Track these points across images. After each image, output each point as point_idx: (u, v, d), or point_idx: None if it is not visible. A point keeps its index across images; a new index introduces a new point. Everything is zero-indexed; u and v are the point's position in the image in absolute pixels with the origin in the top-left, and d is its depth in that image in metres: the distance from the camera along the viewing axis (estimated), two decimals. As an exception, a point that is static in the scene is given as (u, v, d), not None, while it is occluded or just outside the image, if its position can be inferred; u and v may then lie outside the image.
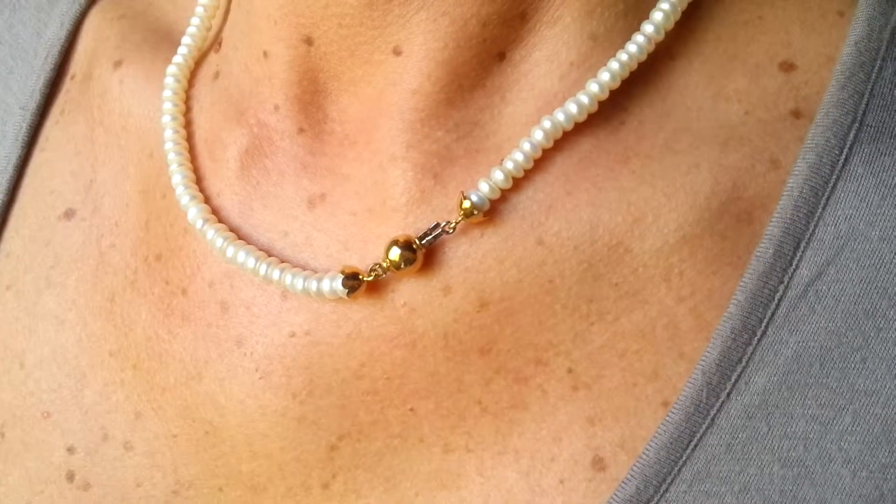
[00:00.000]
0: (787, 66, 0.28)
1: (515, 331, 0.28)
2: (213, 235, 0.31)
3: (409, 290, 0.28)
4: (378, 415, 0.29)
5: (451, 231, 0.27)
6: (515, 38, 0.28)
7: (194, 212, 0.31)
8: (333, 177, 0.30)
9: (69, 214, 0.36)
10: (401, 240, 0.28)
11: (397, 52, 0.28)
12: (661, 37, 0.27)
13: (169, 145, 0.32)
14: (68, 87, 0.38)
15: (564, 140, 0.27)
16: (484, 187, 0.27)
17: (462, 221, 0.27)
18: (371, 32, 0.28)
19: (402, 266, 0.27)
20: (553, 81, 0.28)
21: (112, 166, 0.35)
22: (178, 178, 0.32)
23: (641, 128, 0.28)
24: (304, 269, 0.30)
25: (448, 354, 0.28)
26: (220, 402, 0.31)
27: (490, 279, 0.28)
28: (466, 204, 0.27)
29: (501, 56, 0.28)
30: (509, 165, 0.27)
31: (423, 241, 0.27)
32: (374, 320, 0.29)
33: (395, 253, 0.27)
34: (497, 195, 0.27)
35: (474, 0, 0.27)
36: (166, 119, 0.33)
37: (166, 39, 0.37)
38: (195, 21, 0.35)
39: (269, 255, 0.30)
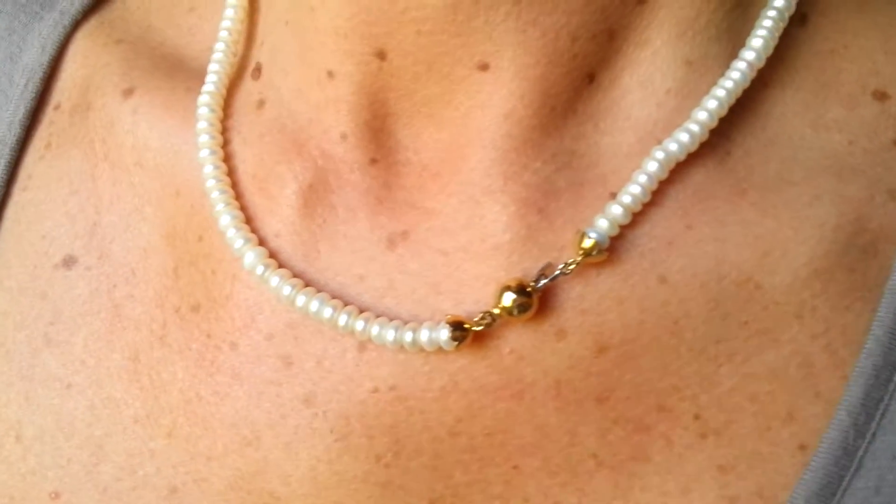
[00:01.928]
0: (881, 95, 0.28)
1: (636, 376, 0.26)
2: (279, 283, 0.27)
3: (517, 337, 0.26)
4: (476, 475, 0.27)
5: (569, 272, 0.25)
6: (604, 57, 0.26)
7: (252, 256, 0.28)
8: (416, 212, 0.27)
9: (69, 262, 0.31)
10: (513, 284, 0.25)
11: (483, 66, 0.26)
12: (762, 64, 0.27)
13: (211, 182, 0.29)
14: (53, 119, 0.34)
15: (676, 171, 0.26)
16: (602, 224, 0.25)
17: (581, 261, 0.25)
18: (453, 41, 0.26)
19: (516, 313, 0.25)
20: (650, 109, 0.27)
21: (122, 207, 0.31)
22: (228, 218, 0.28)
23: (748, 158, 0.27)
24: (386, 317, 0.27)
25: (560, 405, 0.26)
26: (284, 470, 0.27)
27: (609, 321, 0.26)
28: (587, 242, 0.25)
29: (591, 77, 0.26)
30: (627, 200, 0.25)
31: (539, 285, 0.25)
32: (474, 371, 0.26)
33: (510, 298, 0.25)
34: (616, 232, 0.25)
35: (563, 9, 0.25)
36: (205, 153, 0.29)
37: (178, 66, 0.33)
38: (220, 46, 0.31)
39: (346, 304, 0.27)
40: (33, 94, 0.33)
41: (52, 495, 0.29)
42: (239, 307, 0.28)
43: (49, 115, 0.34)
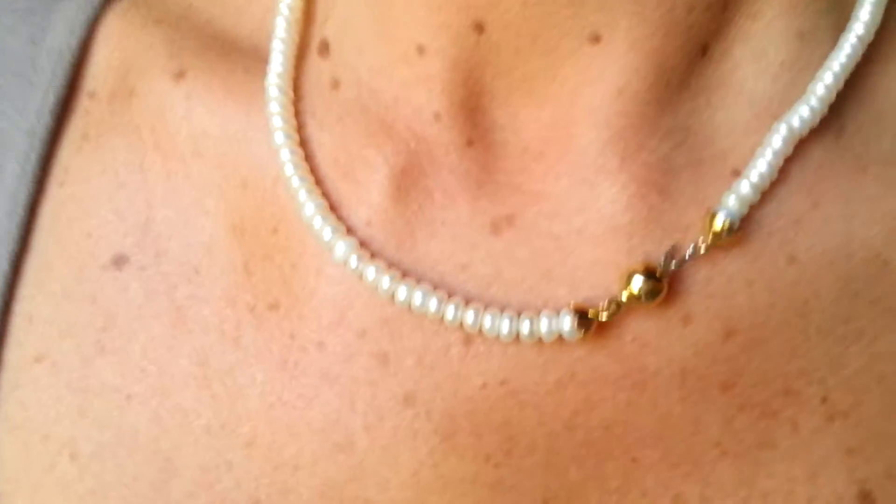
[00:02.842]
0: None
1: (764, 361, 0.25)
2: (376, 275, 0.25)
3: (641, 324, 0.25)
4: (592, 470, 0.25)
5: (700, 254, 0.24)
6: (717, 29, 0.25)
7: (343, 247, 0.25)
8: (521, 196, 0.26)
9: (119, 262, 0.29)
10: (641, 268, 0.24)
11: (595, 38, 0.24)
12: (871, 37, 0.26)
13: (290, 169, 0.27)
14: (88, 108, 0.31)
15: (798, 148, 0.25)
16: (732, 202, 0.24)
17: (711, 242, 0.24)
18: (563, 12, 0.24)
19: (644, 299, 0.24)
20: (765, 83, 0.26)
21: (178, 200, 0.28)
22: (313, 207, 0.26)
23: (862, 133, 0.26)
24: (492, 306, 0.25)
25: (684, 393, 0.25)
26: (382, 476, 0.25)
27: (737, 305, 0.24)
28: (719, 222, 0.24)
29: (704, 50, 0.25)
30: (755, 177, 0.24)
31: (669, 268, 0.24)
32: (593, 361, 0.25)
33: (638, 284, 0.24)
34: (745, 211, 0.24)
35: None
36: (280, 138, 0.27)
37: (230, 47, 0.30)
38: (282, 23, 0.29)
39: (450, 294, 0.25)
40: (63, 81, 0.31)
41: None
42: (326, 303, 0.26)
43: (83, 103, 0.31)
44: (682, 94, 0.25)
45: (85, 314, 0.28)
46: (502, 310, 0.25)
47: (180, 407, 0.27)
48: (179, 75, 0.29)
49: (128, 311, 0.28)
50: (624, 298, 0.24)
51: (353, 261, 0.25)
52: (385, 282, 0.25)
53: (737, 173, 0.25)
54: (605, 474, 0.25)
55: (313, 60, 0.29)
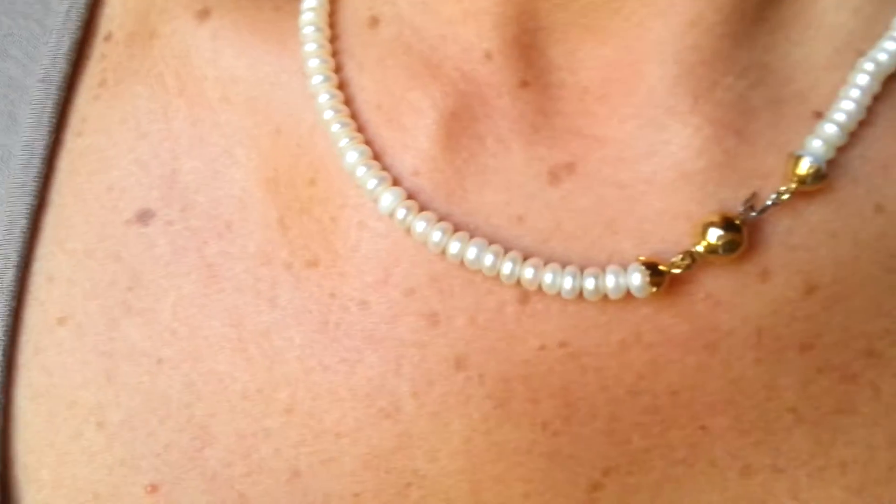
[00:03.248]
0: None
1: (845, 318, 0.23)
2: (425, 228, 0.23)
3: (714, 279, 0.23)
4: (657, 439, 0.23)
5: (781, 202, 0.22)
6: None
7: (390, 198, 0.23)
8: (582, 141, 0.24)
9: (144, 217, 0.27)
10: (718, 218, 0.22)
11: None
12: None
13: (330, 114, 0.24)
14: (105, 52, 0.29)
15: (885, 85, 0.23)
16: (818, 145, 0.22)
17: (795, 189, 0.22)
18: None
19: (722, 251, 0.22)
20: (845, 17, 0.23)
21: (206, 150, 0.26)
22: (355, 155, 0.24)
23: None
24: (553, 261, 0.23)
25: (760, 355, 0.23)
26: (431, 444, 0.24)
27: (820, 258, 0.23)
28: (804, 167, 0.22)
29: None
30: (841, 118, 0.22)
31: (749, 218, 0.22)
32: (661, 320, 0.23)
33: (715, 235, 0.22)
34: (832, 155, 0.22)
35: None
36: (318, 80, 0.25)
37: None
38: (313, -44, 0.27)
39: (506, 249, 0.23)
40: (78, 24, 0.28)
41: (149, 488, 0.25)
42: (369, 259, 0.24)
43: (99, 47, 0.29)
44: (758, 28, 0.23)
45: (109, 273, 0.27)
46: (563, 265, 0.23)
47: (214, 371, 0.25)
48: (204, 14, 0.27)
49: (155, 270, 0.26)
50: (700, 250, 0.22)
51: (401, 213, 0.23)
52: (436, 236, 0.23)
53: (819, 115, 0.23)
54: (671, 443, 0.23)
55: None
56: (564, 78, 0.24)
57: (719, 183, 0.23)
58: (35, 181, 0.27)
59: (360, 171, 0.24)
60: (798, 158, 0.22)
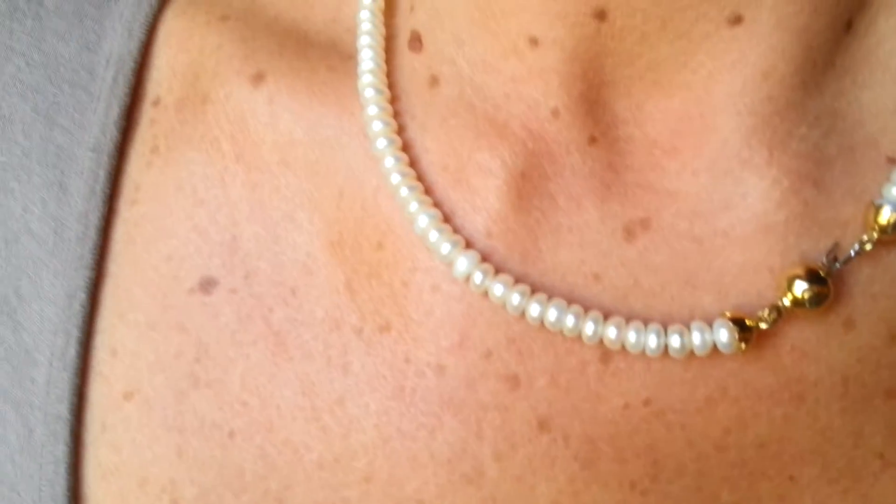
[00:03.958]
0: None
1: None
2: (504, 291, 0.23)
3: (800, 331, 0.23)
4: (745, 492, 0.23)
5: (866, 251, 0.22)
6: (861, 1, 0.23)
7: (465, 262, 0.23)
8: (655, 196, 0.23)
9: (207, 286, 0.26)
10: (803, 271, 0.22)
11: (735, 19, 0.22)
12: None
13: (398, 178, 0.24)
14: (154, 117, 0.28)
15: None
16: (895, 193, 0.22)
17: (878, 238, 0.22)
18: None
19: (809, 305, 0.22)
20: None
21: (267, 215, 0.26)
22: (426, 219, 0.24)
23: None
24: (634, 319, 0.23)
25: (846, 404, 0.23)
26: None
27: None
28: (884, 216, 0.22)
29: (848, 25, 0.23)
30: (919, 164, 0.22)
31: (833, 269, 0.22)
32: (747, 374, 0.23)
33: (801, 288, 0.22)
34: (911, 201, 0.22)
35: None
36: (383, 144, 0.25)
37: (306, 42, 0.28)
38: (367, 16, 0.27)
39: (586, 308, 0.23)
40: (126, 90, 0.28)
41: None
42: (444, 323, 0.24)
43: (148, 112, 0.28)
44: (827, 75, 0.23)
45: (174, 344, 0.26)
46: (645, 323, 0.23)
47: (288, 441, 0.25)
48: (258, 78, 0.27)
49: (221, 339, 0.26)
50: (787, 304, 0.22)
51: (478, 277, 0.23)
52: (514, 298, 0.23)
53: (892, 161, 0.23)
54: (760, 495, 0.23)
55: (405, 55, 0.26)
56: (632, 132, 0.24)
57: (800, 234, 0.23)
58: (92, 253, 0.27)
59: (433, 235, 0.23)
60: (878, 208, 0.22)
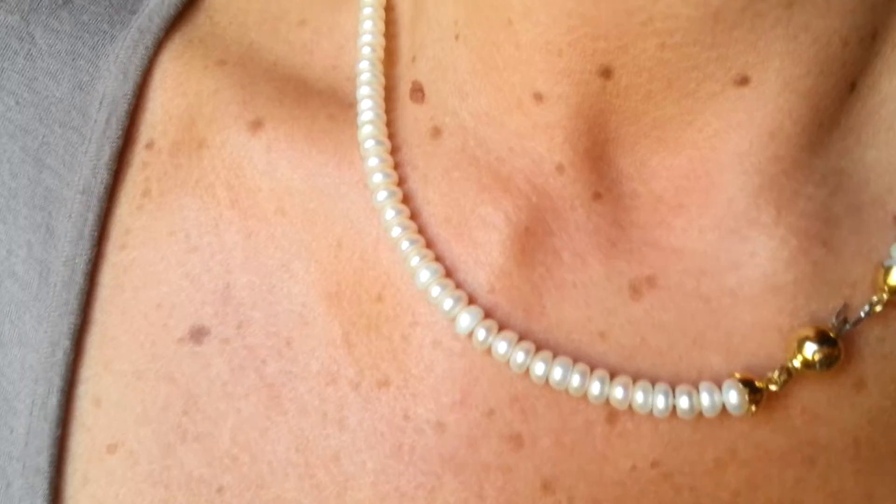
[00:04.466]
0: None
1: None
2: (507, 348, 0.22)
3: (810, 393, 0.22)
4: None
5: (875, 312, 0.22)
6: (864, 62, 0.23)
7: (468, 318, 0.23)
8: (661, 253, 0.23)
9: (198, 335, 0.26)
10: (812, 332, 0.21)
11: (742, 80, 0.22)
12: None
13: (398, 231, 0.24)
14: (147, 160, 0.28)
15: None
16: (905, 253, 0.22)
17: (887, 299, 0.22)
18: (706, 54, 0.22)
19: (819, 366, 0.21)
20: None
21: (262, 264, 0.26)
22: (427, 273, 0.23)
23: None
24: (641, 379, 0.23)
25: (858, 466, 0.22)
26: None
27: None
28: (895, 276, 0.21)
29: (853, 86, 0.23)
30: (926, 224, 0.22)
31: (844, 330, 0.21)
32: (757, 436, 0.22)
33: (812, 350, 0.21)
34: (918, 262, 0.22)
35: (837, 10, 0.22)
36: (383, 196, 0.24)
37: (305, 89, 0.28)
38: (366, 66, 0.26)
39: (592, 367, 0.23)
40: (119, 132, 0.27)
41: None
42: (445, 380, 0.23)
43: (140, 154, 0.28)
44: (832, 135, 0.23)
45: (162, 395, 0.25)
46: (653, 383, 0.22)
47: (280, 499, 0.24)
48: (256, 124, 0.26)
49: (211, 391, 0.25)
50: (797, 365, 0.21)
51: (480, 333, 0.22)
52: (519, 356, 0.22)
53: None
54: None
55: (406, 105, 0.26)
56: (637, 188, 0.24)
57: (809, 295, 0.22)
58: (77, 299, 0.26)
59: (435, 290, 0.23)
60: (888, 268, 0.22)
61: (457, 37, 0.24)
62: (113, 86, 0.28)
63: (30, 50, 0.29)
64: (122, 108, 0.28)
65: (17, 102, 0.28)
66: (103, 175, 0.27)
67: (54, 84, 0.29)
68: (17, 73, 0.29)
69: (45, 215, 0.27)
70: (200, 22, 0.29)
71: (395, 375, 0.24)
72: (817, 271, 0.22)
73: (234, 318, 0.25)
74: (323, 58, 0.28)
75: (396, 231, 0.24)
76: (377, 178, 0.24)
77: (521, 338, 0.23)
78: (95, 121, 0.28)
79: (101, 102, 0.28)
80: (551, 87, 0.23)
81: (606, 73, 0.22)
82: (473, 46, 0.24)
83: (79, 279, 0.26)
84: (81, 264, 0.26)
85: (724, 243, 0.23)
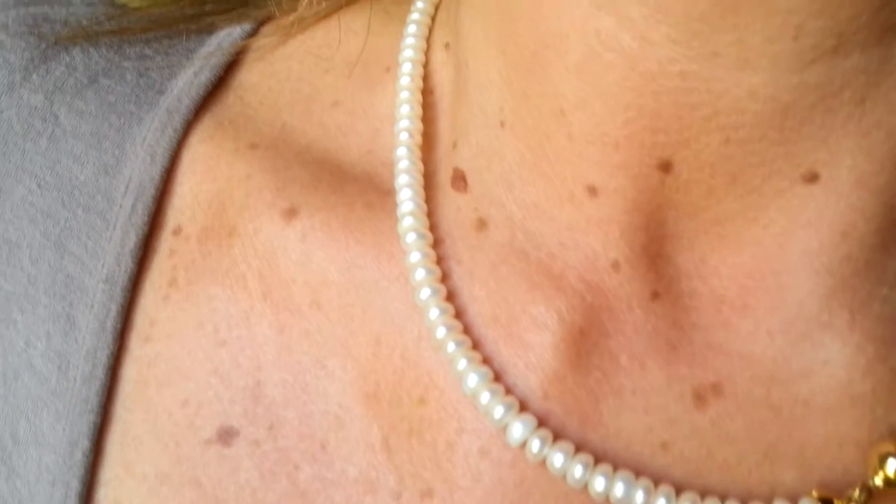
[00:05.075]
0: None
1: None
2: (564, 461, 0.21)
3: None
4: None
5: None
6: None
7: (521, 429, 0.21)
8: (726, 358, 0.22)
9: (226, 436, 0.24)
10: (894, 448, 0.20)
11: (811, 177, 0.21)
12: None
13: (443, 332, 0.22)
14: (174, 247, 0.26)
15: None
16: None
17: None
18: (773, 150, 0.21)
19: (901, 483, 0.20)
20: None
21: (295, 361, 0.24)
22: (476, 378, 0.22)
23: None
24: (709, 495, 0.21)
25: None
26: None
27: None
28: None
29: None
30: None
31: (929, 446, 0.20)
32: None
33: (894, 467, 0.20)
34: None
35: None
36: (426, 293, 0.23)
37: (340, 175, 0.26)
38: (404, 152, 0.25)
39: (656, 482, 0.21)
40: (145, 218, 0.26)
41: None
42: (493, 492, 0.22)
43: (167, 241, 0.26)
44: None
45: (187, 501, 0.24)
46: (722, 499, 0.21)
47: None
48: (291, 213, 0.25)
49: (240, 498, 0.24)
50: (878, 483, 0.20)
51: (535, 444, 0.21)
52: (577, 470, 0.21)
53: None
54: None
55: (447, 194, 0.25)
56: (696, 287, 0.22)
57: (889, 406, 0.21)
58: (98, 395, 0.25)
59: (484, 396, 0.21)
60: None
61: (502, 124, 0.23)
62: (140, 169, 0.27)
63: (53, 131, 0.28)
64: (150, 192, 0.26)
65: (40, 186, 0.27)
66: (128, 263, 0.26)
67: (78, 167, 0.27)
68: (41, 156, 0.28)
69: (66, 305, 0.26)
70: (231, 102, 0.28)
71: (439, 486, 0.22)
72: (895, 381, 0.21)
73: (265, 419, 0.24)
74: (358, 141, 0.27)
75: (441, 331, 0.22)
76: (420, 274, 0.23)
77: (578, 449, 0.21)
78: (121, 206, 0.26)
79: (126, 187, 0.27)
80: (606, 180, 0.22)
81: (666, 167, 0.21)
82: (521, 135, 0.23)
83: (100, 374, 0.25)
84: (103, 358, 0.25)
85: (795, 349, 0.21)
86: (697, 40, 0.19)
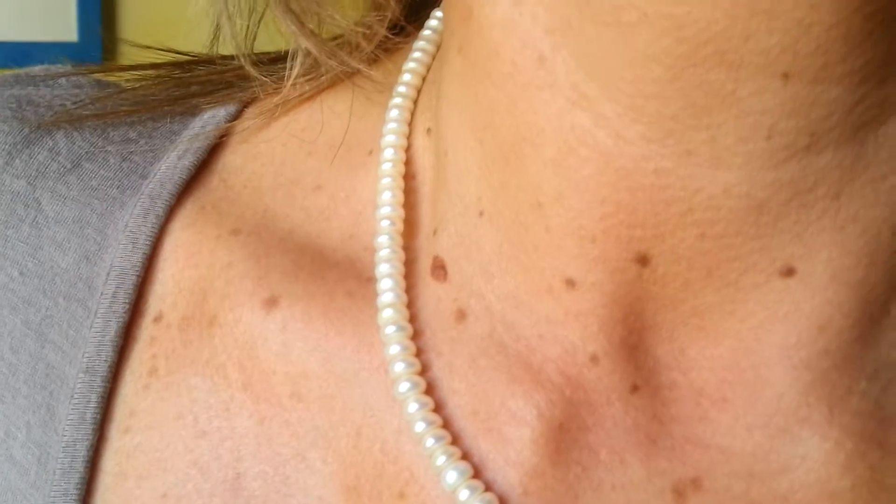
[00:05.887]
0: None
1: None
2: (545, 562, 0.21)
3: None
4: None
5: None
6: None
7: (501, 528, 0.21)
8: (705, 452, 0.22)
9: None
10: (876, 546, 0.20)
11: (788, 272, 0.21)
12: None
13: (421, 426, 0.22)
14: (155, 335, 0.26)
15: None
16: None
17: None
18: (749, 245, 0.21)
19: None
20: None
21: (276, 452, 0.24)
22: (454, 475, 0.22)
23: None
24: None
25: None
26: None
27: None
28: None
29: None
30: None
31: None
32: None
33: (876, 567, 0.19)
34: None
35: (885, 199, 0.21)
36: (405, 387, 0.23)
37: (322, 261, 0.26)
38: (386, 241, 0.25)
39: (636, 581, 0.21)
40: (126, 306, 0.26)
41: None
42: None
43: (148, 329, 0.26)
44: (882, 325, 0.22)
45: None
46: None
47: None
48: (271, 303, 0.25)
49: None
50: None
51: (515, 545, 0.21)
52: (557, 571, 0.20)
53: None
54: None
55: (427, 283, 0.25)
56: (675, 378, 0.22)
57: (868, 502, 0.21)
58: (77, 489, 0.25)
59: (463, 494, 0.21)
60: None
61: (481, 213, 0.24)
62: (121, 256, 0.27)
63: (35, 217, 0.28)
64: (131, 280, 0.26)
65: (21, 273, 0.27)
66: (108, 352, 0.26)
67: (60, 254, 0.28)
68: (22, 242, 0.28)
69: (46, 395, 0.26)
70: (214, 185, 0.29)
71: None
72: (875, 477, 0.21)
73: None
74: (340, 225, 0.27)
75: (420, 426, 0.22)
76: (399, 367, 0.23)
77: (558, 547, 0.21)
78: (102, 293, 0.26)
79: (108, 274, 0.27)
80: (584, 273, 0.22)
81: (643, 260, 0.21)
82: (500, 226, 0.23)
83: (79, 467, 0.25)
84: (83, 451, 0.25)
85: (774, 443, 0.21)
86: (671, 139, 0.20)
